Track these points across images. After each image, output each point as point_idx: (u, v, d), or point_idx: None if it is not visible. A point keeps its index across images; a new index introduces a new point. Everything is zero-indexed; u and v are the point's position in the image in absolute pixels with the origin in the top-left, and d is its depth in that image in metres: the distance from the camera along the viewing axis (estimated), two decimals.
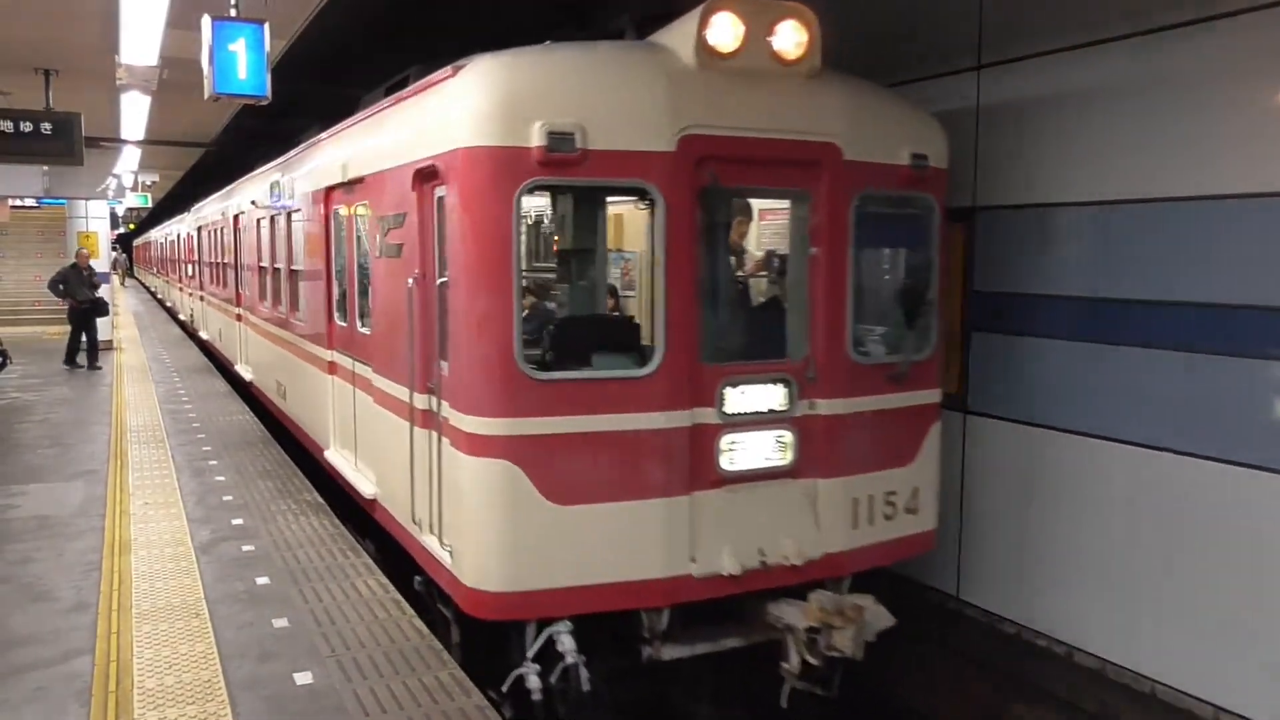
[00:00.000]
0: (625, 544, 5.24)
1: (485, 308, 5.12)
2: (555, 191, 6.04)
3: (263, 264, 12.33)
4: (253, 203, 12.74)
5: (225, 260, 16.32)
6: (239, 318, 14.87)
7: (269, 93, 7.74)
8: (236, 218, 14.60)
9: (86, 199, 21.42)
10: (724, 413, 5.47)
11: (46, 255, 27.20)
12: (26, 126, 12.69)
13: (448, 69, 5.52)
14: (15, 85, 13.16)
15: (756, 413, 5.57)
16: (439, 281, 5.61)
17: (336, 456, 8.24)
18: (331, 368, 8.40)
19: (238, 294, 14.85)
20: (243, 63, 7.56)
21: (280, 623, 5.77)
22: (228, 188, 16.77)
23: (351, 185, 7.52)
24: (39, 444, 11.01)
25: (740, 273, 6.84)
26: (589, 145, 5.02)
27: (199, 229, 20.98)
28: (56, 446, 10.85)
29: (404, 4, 10.41)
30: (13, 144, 12.61)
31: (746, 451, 5.56)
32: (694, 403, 5.36)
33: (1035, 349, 6.86)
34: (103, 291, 18.23)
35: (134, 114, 14.64)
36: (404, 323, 6.08)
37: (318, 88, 12.20)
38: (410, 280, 5.90)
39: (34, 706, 4.83)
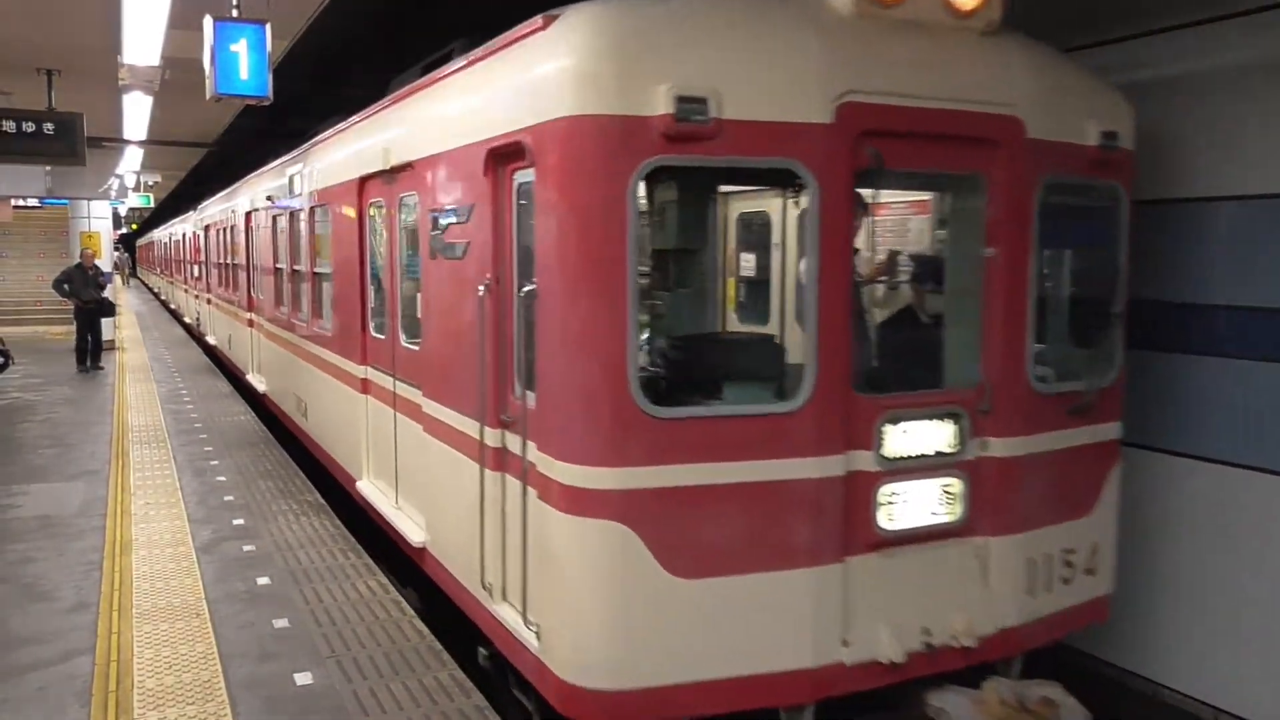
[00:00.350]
0: (764, 626, 4.21)
1: (590, 323, 4.06)
2: (652, 174, 5.16)
3: (279, 265, 11.29)
4: (268, 198, 11.65)
5: (236, 261, 15.18)
6: (251, 323, 13.86)
7: (270, 93, 7.74)
8: (249, 215, 13.56)
9: (89, 199, 21.47)
10: (883, 456, 4.41)
11: (49, 255, 27.21)
12: (29, 126, 12.71)
13: (536, 19, 4.45)
14: (17, 85, 13.17)
15: (921, 456, 4.52)
16: (524, 290, 4.48)
17: (371, 490, 7.26)
18: (365, 386, 7.39)
19: (250, 298, 13.87)
20: (244, 63, 7.56)
21: (281, 623, 5.77)
22: (238, 183, 15.56)
23: (395, 173, 6.49)
24: (41, 444, 11.02)
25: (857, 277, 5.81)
26: (724, 114, 3.98)
27: (206, 228, 19.98)
28: (58, 446, 10.86)
29: (405, 4, 10.42)
30: (15, 144, 12.63)
31: (909, 505, 4.50)
32: (848, 444, 4.32)
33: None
34: (106, 291, 18.20)
35: (136, 114, 14.66)
36: (469, 340, 5.06)
37: (319, 88, 12.22)
38: (481, 288, 4.85)
39: (35, 706, 4.84)
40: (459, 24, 6.63)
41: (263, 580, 6.48)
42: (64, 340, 18.96)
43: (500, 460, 4.85)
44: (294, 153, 10.53)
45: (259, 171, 13.29)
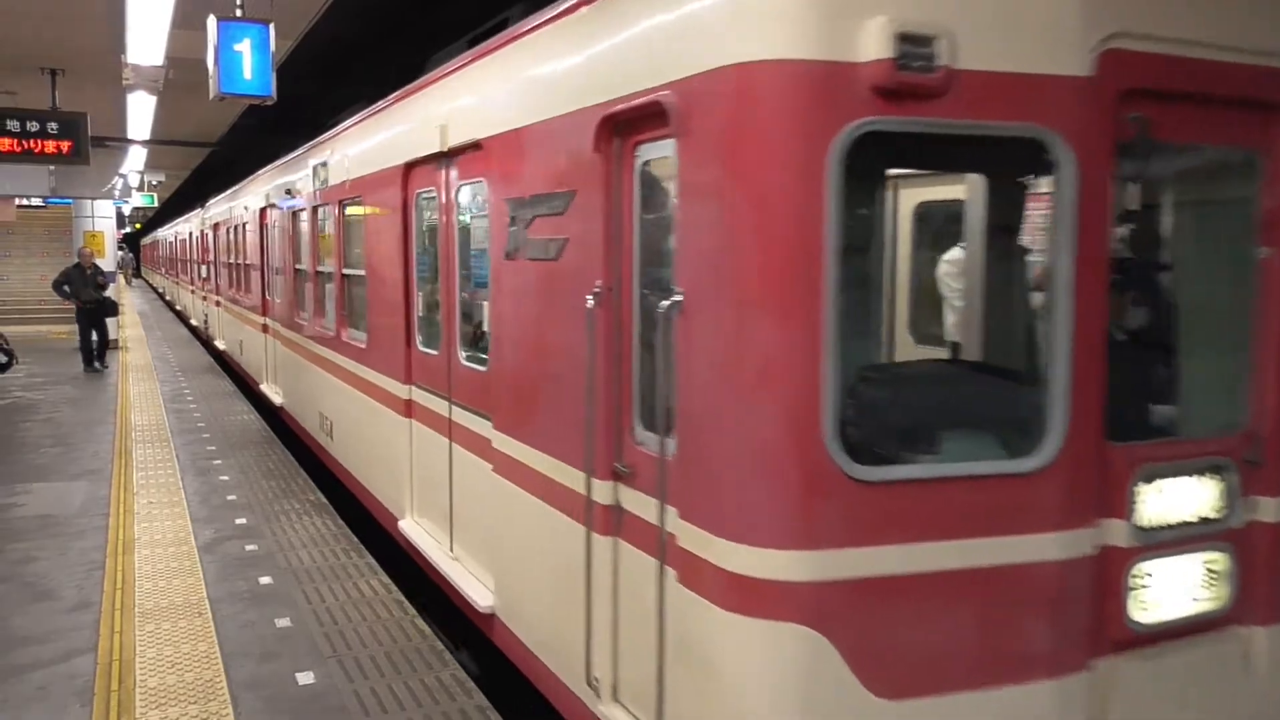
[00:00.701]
0: None
1: (772, 348, 3.01)
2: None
3: (299, 267, 10.25)
4: (288, 192, 10.58)
5: (248, 261, 14.14)
6: (265, 329, 12.80)
7: (274, 92, 7.77)
8: (264, 212, 12.52)
9: (93, 198, 21.53)
10: (1138, 527, 3.34)
11: (52, 255, 27.28)
12: (33, 126, 12.76)
13: None
14: (21, 85, 13.24)
15: (1182, 524, 3.43)
16: (666, 303, 3.33)
17: (417, 532, 6.31)
18: (409, 408, 6.44)
19: (264, 301, 12.80)
20: (248, 63, 7.60)
21: (283, 622, 5.77)
22: (252, 176, 14.42)
23: (454, 156, 5.49)
24: (43, 443, 11.02)
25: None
26: (956, 62, 2.92)
27: (215, 226, 18.81)
28: (61, 445, 10.86)
29: (408, 3, 10.43)
30: (19, 143, 12.69)
31: (1165, 589, 3.41)
32: (1099, 511, 3.29)
33: None
34: (109, 291, 17.99)
35: (140, 114, 14.70)
36: (568, 363, 4.04)
37: (323, 87, 12.24)
38: (590, 299, 3.79)
39: (37, 705, 4.83)
40: (463, 22, 6.62)
41: (265, 580, 6.48)
42: (67, 340, 18.97)
43: (613, 522, 3.82)
44: (318, 139, 9.49)
45: (276, 163, 12.24)
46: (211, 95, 7.74)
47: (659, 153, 3.53)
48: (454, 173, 5.58)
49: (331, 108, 10.10)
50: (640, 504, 3.64)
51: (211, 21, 7.50)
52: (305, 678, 5.06)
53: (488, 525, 5.15)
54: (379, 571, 6.67)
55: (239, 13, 7.66)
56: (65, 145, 12.93)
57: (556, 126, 4.13)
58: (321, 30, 10.16)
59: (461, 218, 5.62)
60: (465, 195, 5.57)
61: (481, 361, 5.24)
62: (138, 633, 5.60)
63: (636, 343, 3.71)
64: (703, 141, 3.19)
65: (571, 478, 4.05)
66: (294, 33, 10.02)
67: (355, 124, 8.06)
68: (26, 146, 12.80)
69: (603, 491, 3.83)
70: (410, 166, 6.22)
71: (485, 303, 5.21)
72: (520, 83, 4.66)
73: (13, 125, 12.65)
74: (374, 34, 11.35)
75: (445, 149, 5.51)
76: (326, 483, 9.05)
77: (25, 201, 23.55)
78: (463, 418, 5.53)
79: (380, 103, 7.34)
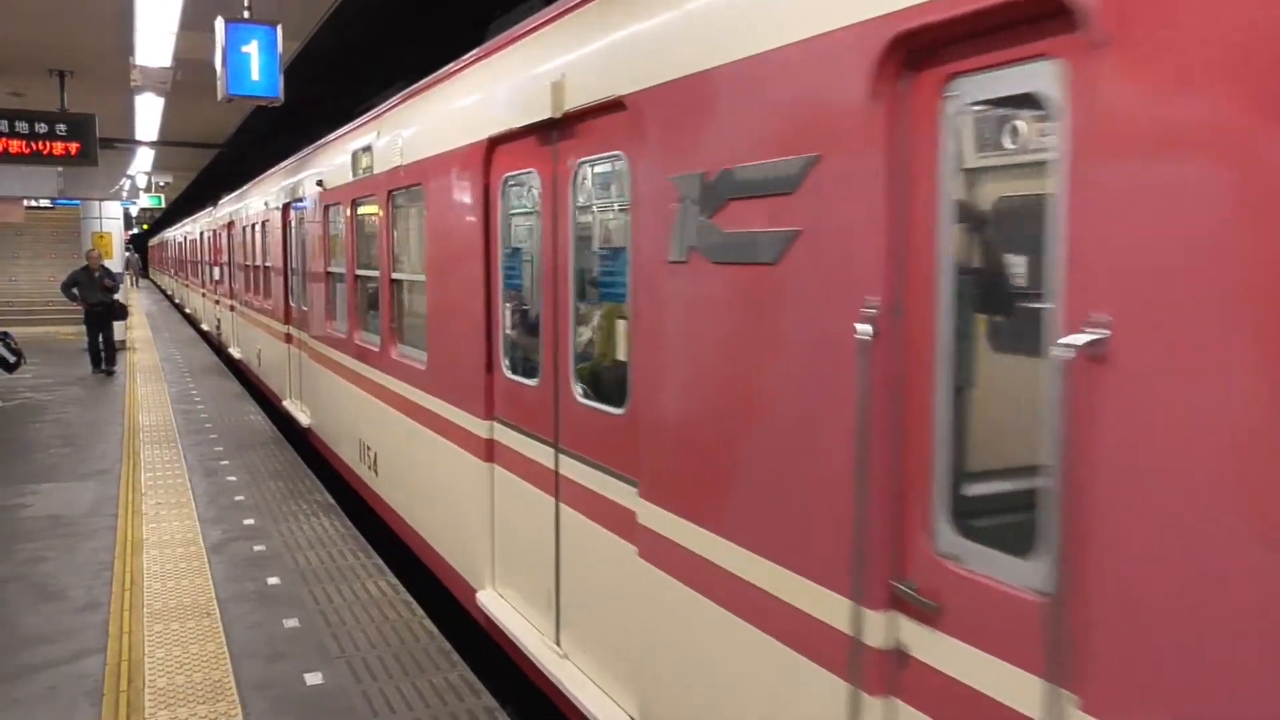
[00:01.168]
0: None
1: None
2: None
3: (332, 270, 9.15)
4: (319, 183, 9.41)
5: (269, 264, 13.02)
6: (289, 339, 11.72)
7: (281, 94, 7.79)
8: (287, 208, 11.50)
9: (100, 199, 21.55)
10: None
11: (61, 256, 27.39)
12: (42, 128, 12.80)
13: None
14: (30, 86, 13.29)
15: None
16: (1069, 342, 2.01)
17: (505, 612, 5.13)
18: (490, 450, 5.30)
19: (287, 308, 11.73)
20: (255, 64, 7.63)
21: (291, 623, 5.78)
22: (273, 169, 13.23)
23: (572, 124, 4.26)
24: (52, 443, 11.05)
25: None
26: None
27: (229, 225, 17.85)
28: (69, 446, 10.89)
29: (414, 5, 10.45)
30: (28, 144, 12.74)
31: None
32: None
33: None
34: (119, 294, 17.53)
35: (148, 115, 14.74)
36: (808, 420, 2.81)
37: (331, 88, 12.26)
38: (864, 329, 2.54)
39: (46, 705, 4.84)
40: (468, 23, 6.62)
41: (273, 580, 6.49)
42: (75, 340, 18.98)
43: (889, 674, 2.59)
44: (360, 121, 8.28)
45: (302, 153, 10.94)
46: (219, 97, 7.76)
47: (1000, 87, 2.32)
48: (571, 144, 4.31)
49: (338, 108, 10.12)
50: (949, 657, 2.41)
51: (219, 23, 7.54)
52: (313, 678, 5.07)
53: (629, 626, 3.86)
54: (386, 572, 6.67)
55: (246, 14, 7.69)
56: (74, 147, 12.97)
57: (781, 61, 2.88)
58: (329, 32, 10.18)
59: (578, 204, 4.39)
60: (584, 175, 4.38)
61: (614, 399, 4.02)
62: (146, 633, 5.62)
63: (944, 394, 2.45)
64: (1167, 54, 1.85)
65: (814, 600, 2.77)
66: (301, 34, 10.04)
67: (410, 97, 6.79)
68: (35, 148, 12.84)
69: (877, 629, 2.57)
70: (496, 142, 5.03)
71: (621, 320, 4.07)
72: (706, 5, 3.31)
73: (21, 127, 12.69)
74: (381, 35, 11.36)
75: (559, 114, 4.25)
76: (331, 483, 9.08)
77: (33, 203, 23.61)
78: (579, 473, 4.31)
79: (449, 67, 5.98)
